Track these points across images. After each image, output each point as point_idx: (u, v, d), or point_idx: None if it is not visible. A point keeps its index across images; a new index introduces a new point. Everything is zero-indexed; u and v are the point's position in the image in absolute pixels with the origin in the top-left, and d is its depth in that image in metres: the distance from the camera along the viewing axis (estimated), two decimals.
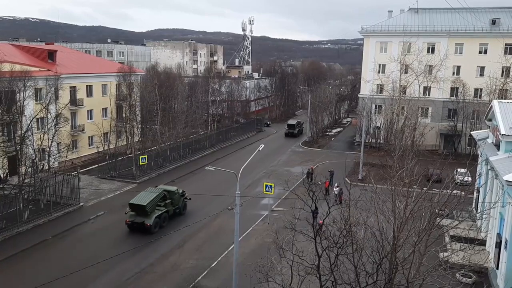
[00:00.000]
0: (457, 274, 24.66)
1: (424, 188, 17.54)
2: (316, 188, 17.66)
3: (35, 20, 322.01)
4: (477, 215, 32.04)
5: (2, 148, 37.92)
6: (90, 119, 55.18)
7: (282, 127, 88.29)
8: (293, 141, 72.74)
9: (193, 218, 35.88)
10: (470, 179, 39.18)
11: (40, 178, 37.84)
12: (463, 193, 17.87)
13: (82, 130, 53.58)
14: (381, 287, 15.85)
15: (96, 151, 52.61)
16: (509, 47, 59.87)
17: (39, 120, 43.56)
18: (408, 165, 18.66)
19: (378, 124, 64.83)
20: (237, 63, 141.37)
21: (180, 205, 36.91)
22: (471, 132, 42.83)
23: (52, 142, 39.87)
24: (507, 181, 23.08)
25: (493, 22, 61.92)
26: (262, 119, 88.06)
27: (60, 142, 43.23)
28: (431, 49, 63.44)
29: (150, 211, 33.23)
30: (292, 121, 79.83)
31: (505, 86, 56.84)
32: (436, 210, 16.59)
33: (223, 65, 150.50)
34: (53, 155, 40.64)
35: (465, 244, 20.61)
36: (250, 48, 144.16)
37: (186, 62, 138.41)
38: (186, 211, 37.68)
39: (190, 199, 38.12)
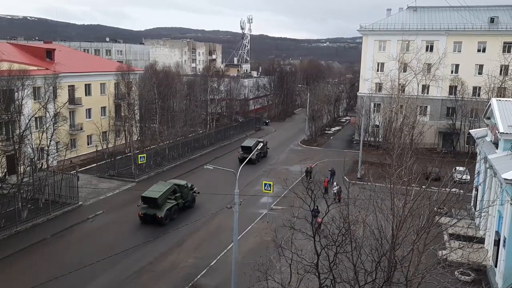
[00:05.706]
0: (455, 272, 24.70)
1: (423, 186, 17.55)
2: (315, 187, 17.63)
3: (33, 19, 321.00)
4: (476, 213, 32.07)
5: (0, 147, 37.80)
6: (89, 118, 55.13)
7: (281, 126, 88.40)
8: (292, 140, 72.73)
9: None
10: (468, 177, 39.35)
11: (39, 177, 37.79)
12: (461, 191, 17.89)
13: (81, 129, 53.56)
14: (380, 285, 15.85)
15: (95, 150, 52.50)
16: (507, 45, 59.91)
17: (38, 119, 43.45)
18: (407, 163, 18.65)
19: (377, 123, 64.89)
20: (235, 62, 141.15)
21: (189, 198, 37.99)
22: (470, 131, 42.84)
23: (50, 141, 39.73)
24: (505, 179, 23.12)
25: (492, 20, 61.95)
26: (261, 118, 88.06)
27: (59, 141, 43.10)
28: (430, 48, 63.46)
29: (162, 204, 34.23)
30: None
31: (503, 84, 56.85)
32: (435, 208, 16.59)
33: (222, 63, 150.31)
34: (51, 154, 40.52)
35: (463, 242, 20.57)
36: (248, 46, 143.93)
37: (185, 60, 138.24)
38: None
39: (199, 193, 39.22)
